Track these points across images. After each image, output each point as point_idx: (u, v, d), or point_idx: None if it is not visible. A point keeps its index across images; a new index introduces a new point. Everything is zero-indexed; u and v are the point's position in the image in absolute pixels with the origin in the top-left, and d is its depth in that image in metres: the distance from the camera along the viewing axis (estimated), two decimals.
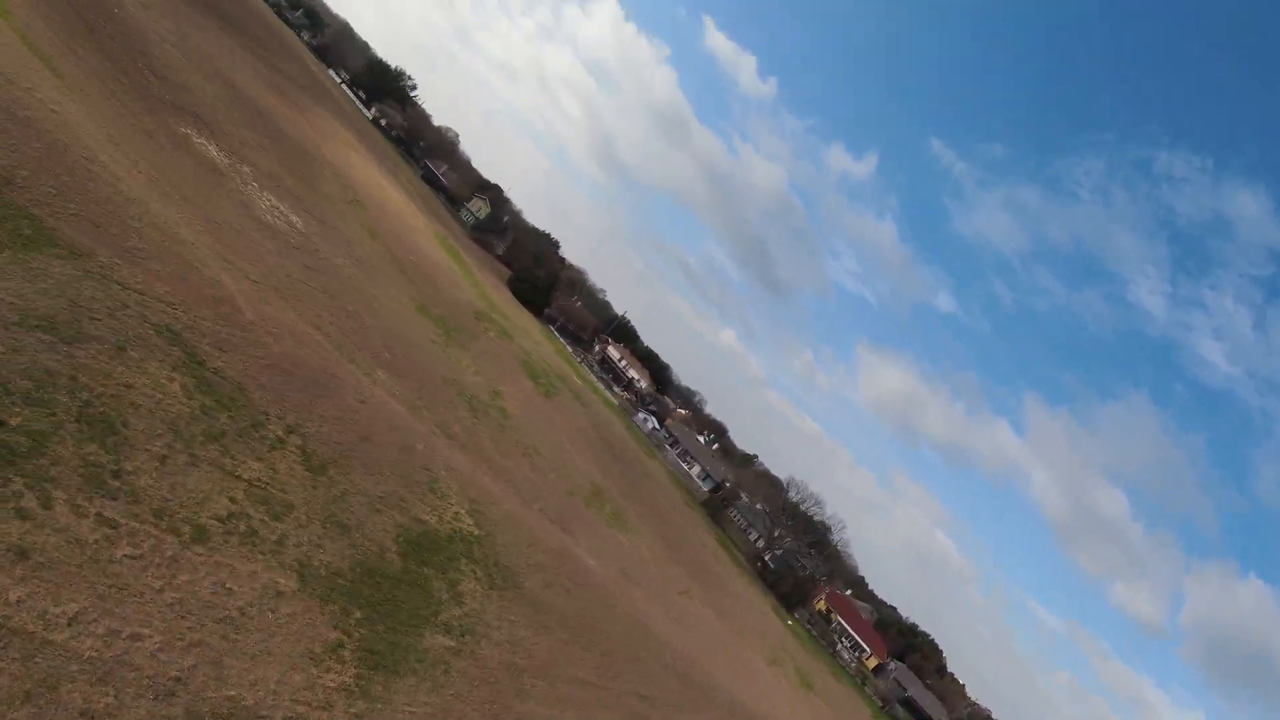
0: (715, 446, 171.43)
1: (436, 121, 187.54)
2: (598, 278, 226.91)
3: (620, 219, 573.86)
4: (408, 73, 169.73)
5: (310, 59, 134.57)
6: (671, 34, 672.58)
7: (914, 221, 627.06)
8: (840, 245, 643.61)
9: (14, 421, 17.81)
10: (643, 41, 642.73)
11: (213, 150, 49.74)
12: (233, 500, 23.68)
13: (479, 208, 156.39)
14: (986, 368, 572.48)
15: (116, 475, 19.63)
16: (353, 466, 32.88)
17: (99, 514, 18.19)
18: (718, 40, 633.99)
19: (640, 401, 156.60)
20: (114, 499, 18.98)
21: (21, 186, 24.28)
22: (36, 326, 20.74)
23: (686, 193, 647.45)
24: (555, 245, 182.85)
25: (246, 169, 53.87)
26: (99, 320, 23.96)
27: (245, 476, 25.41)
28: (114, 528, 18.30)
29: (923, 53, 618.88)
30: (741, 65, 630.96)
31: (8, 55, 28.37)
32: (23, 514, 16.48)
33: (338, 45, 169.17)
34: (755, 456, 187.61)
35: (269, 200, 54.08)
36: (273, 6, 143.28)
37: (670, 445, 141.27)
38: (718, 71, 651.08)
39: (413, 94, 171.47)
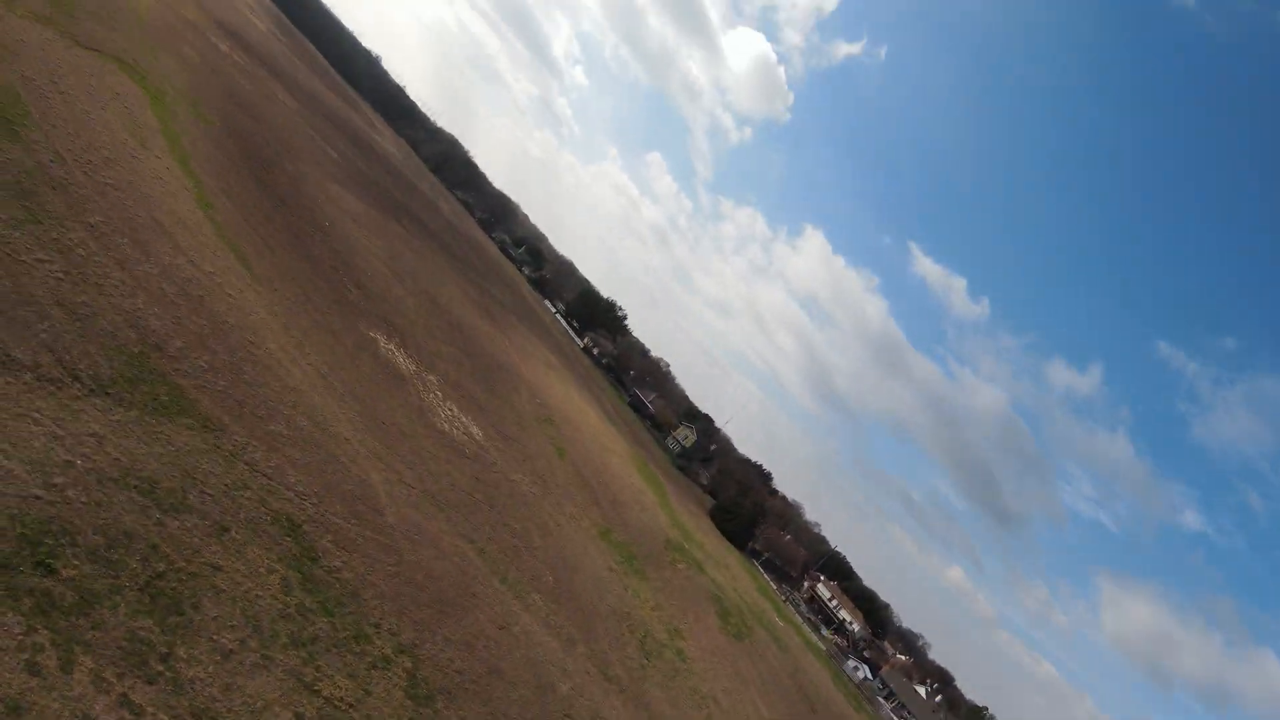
0: (939, 698, 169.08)
1: (654, 354, 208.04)
2: (812, 511, 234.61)
3: (837, 450, 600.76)
4: (619, 304, 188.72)
5: (526, 289, 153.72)
6: (879, 263, 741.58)
7: (1149, 433, 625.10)
8: (1072, 467, 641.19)
9: (66, 573, 18.53)
10: (852, 273, 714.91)
11: (400, 357, 55.58)
12: (299, 717, 22.59)
13: (685, 436, 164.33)
14: (1245, 590, 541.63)
15: (164, 659, 19.46)
16: (469, 701, 30.97)
17: (124, 695, 17.79)
18: (925, 265, 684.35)
19: (852, 646, 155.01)
20: (150, 683, 18.63)
21: (172, 356, 27.75)
22: (134, 487, 22.35)
23: (905, 421, 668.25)
24: (766, 476, 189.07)
25: (432, 378, 59.38)
26: (209, 496, 25.55)
27: (325, 693, 24.45)
28: (136, 714, 17.72)
29: (1137, 255, 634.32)
30: (952, 288, 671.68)
31: (197, 241, 34.33)
32: (34, 669, 16.44)
33: (557, 279, 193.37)
34: (985, 709, 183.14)
35: (450, 410, 58.56)
36: (497, 242, 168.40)
37: (884, 698, 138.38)
38: (928, 296, 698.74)
39: (624, 323, 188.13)
